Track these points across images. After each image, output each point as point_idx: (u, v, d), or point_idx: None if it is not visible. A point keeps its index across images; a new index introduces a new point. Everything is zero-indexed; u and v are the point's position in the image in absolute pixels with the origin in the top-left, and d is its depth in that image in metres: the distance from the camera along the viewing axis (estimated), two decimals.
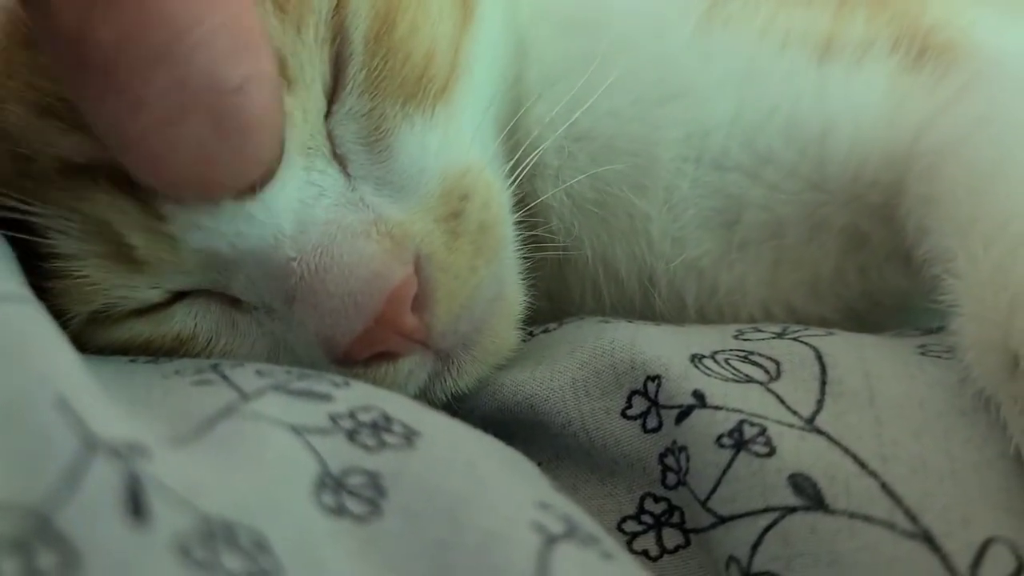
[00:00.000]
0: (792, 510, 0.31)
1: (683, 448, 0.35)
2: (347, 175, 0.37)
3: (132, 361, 0.35)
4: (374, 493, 0.28)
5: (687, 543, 0.35)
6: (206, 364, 0.33)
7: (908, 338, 0.38)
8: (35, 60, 0.34)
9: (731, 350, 0.37)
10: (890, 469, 0.31)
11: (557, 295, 0.48)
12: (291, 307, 0.36)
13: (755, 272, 0.44)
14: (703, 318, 0.45)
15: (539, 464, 0.35)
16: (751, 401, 0.34)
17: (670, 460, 0.36)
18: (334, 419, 0.30)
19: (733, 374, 0.36)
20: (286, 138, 0.34)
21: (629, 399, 0.37)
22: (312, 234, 0.35)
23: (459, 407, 0.40)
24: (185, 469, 0.26)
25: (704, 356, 0.37)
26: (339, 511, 0.27)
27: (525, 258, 0.43)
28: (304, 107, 0.35)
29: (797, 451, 0.32)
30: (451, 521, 0.27)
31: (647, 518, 0.36)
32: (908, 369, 0.34)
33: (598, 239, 0.46)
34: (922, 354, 0.35)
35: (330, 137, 0.37)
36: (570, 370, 0.39)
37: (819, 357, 0.35)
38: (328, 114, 0.37)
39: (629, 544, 0.35)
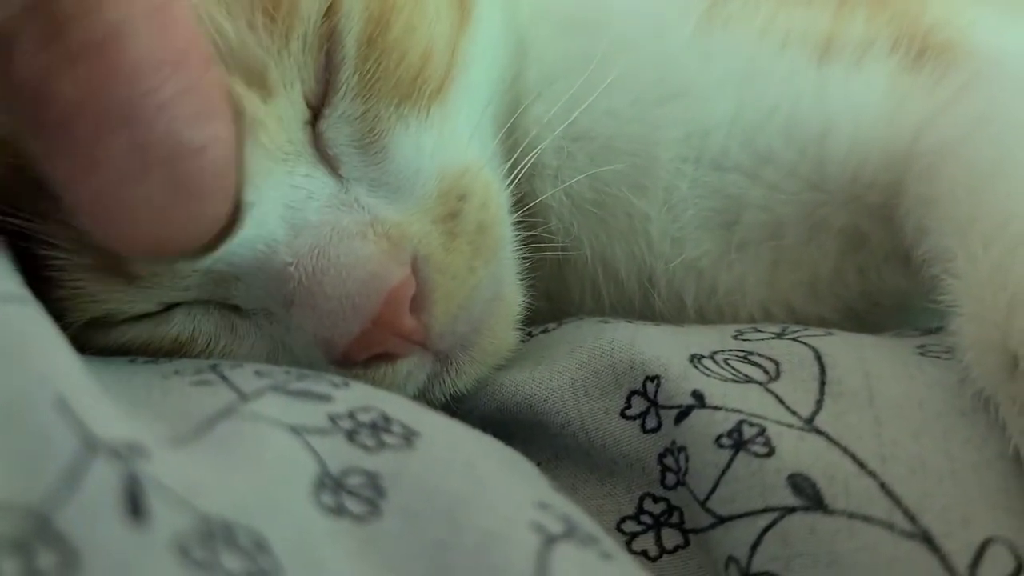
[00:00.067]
0: (791, 510, 0.31)
1: (682, 448, 0.35)
2: (339, 177, 0.37)
3: (131, 361, 0.35)
4: (373, 493, 0.28)
5: (686, 543, 0.35)
6: (205, 365, 0.33)
7: (908, 338, 0.38)
8: None
9: (730, 350, 0.37)
10: (889, 469, 0.31)
11: (556, 295, 0.47)
12: (289, 310, 0.36)
13: (754, 272, 0.44)
14: (702, 318, 0.45)
15: (538, 464, 0.35)
16: (750, 401, 0.34)
17: (669, 460, 0.36)
18: (333, 419, 0.30)
19: (732, 374, 0.36)
20: (264, 147, 0.34)
21: (628, 399, 0.37)
22: (306, 237, 0.35)
23: (458, 407, 0.40)
24: (184, 469, 0.26)
25: (703, 356, 0.37)
26: (338, 511, 0.27)
27: (524, 258, 0.43)
28: (280, 115, 0.35)
29: (796, 451, 0.32)
30: (450, 521, 0.27)
31: (646, 518, 0.36)
32: (907, 369, 0.34)
33: (597, 239, 0.45)
34: (921, 354, 0.36)
35: (319, 140, 0.37)
36: (569, 370, 0.39)
37: (818, 357, 0.35)
38: (318, 118, 0.37)
39: (628, 544, 0.35)
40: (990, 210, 0.34)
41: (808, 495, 0.31)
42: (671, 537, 0.35)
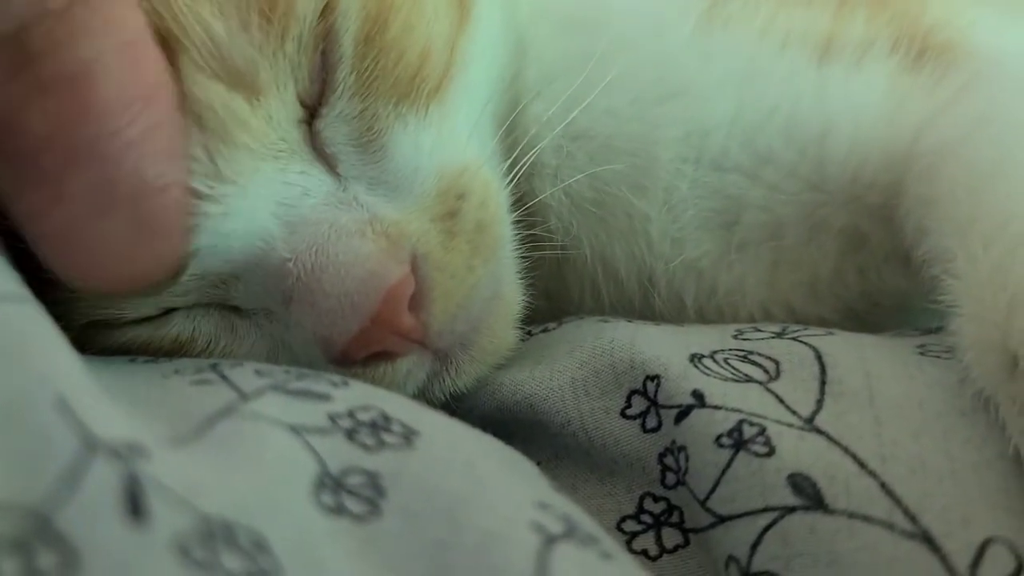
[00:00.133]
0: (791, 510, 0.31)
1: (682, 448, 0.35)
2: (337, 176, 0.37)
3: (132, 361, 0.35)
4: (373, 493, 0.28)
5: (686, 543, 0.35)
6: (205, 364, 0.33)
7: (908, 338, 0.38)
8: None
9: (730, 350, 0.37)
10: (889, 469, 0.31)
11: (556, 294, 0.47)
12: (288, 308, 0.36)
13: (754, 272, 0.44)
14: (702, 318, 0.45)
15: (538, 464, 0.35)
16: (750, 401, 0.34)
17: (669, 460, 0.36)
18: (333, 419, 0.30)
19: (732, 374, 0.36)
20: (246, 146, 0.34)
21: (628, 399, 0.37)
22: (304, 234, 0.35)
23: (458, 407, 0.40)
24: (184, 469, 0.26)
25: (703, 356, 0.37)
26: (338, 511, 0.27)
27: (523, 257, 0.43)
28: (270, 114, 0.35)
29: (796, 451, 0.32)
30: (450, 521, 0.27)
31: (646, 518, 0.36)
32: (908, 369, 0.34)
33: (597, 239, 0.45)
34: (921, 354, 0.36)
35: (317, 139, 0.37)
36: (569, 370, 0.39)
37: (819, 357, 0.35)
38: (315, 117, 0.36)
39: (628, 544, 0.35)
40: (990, 210, 0.35)
41: (808, 495, 0.31)
42: (671, 537, 0.35)
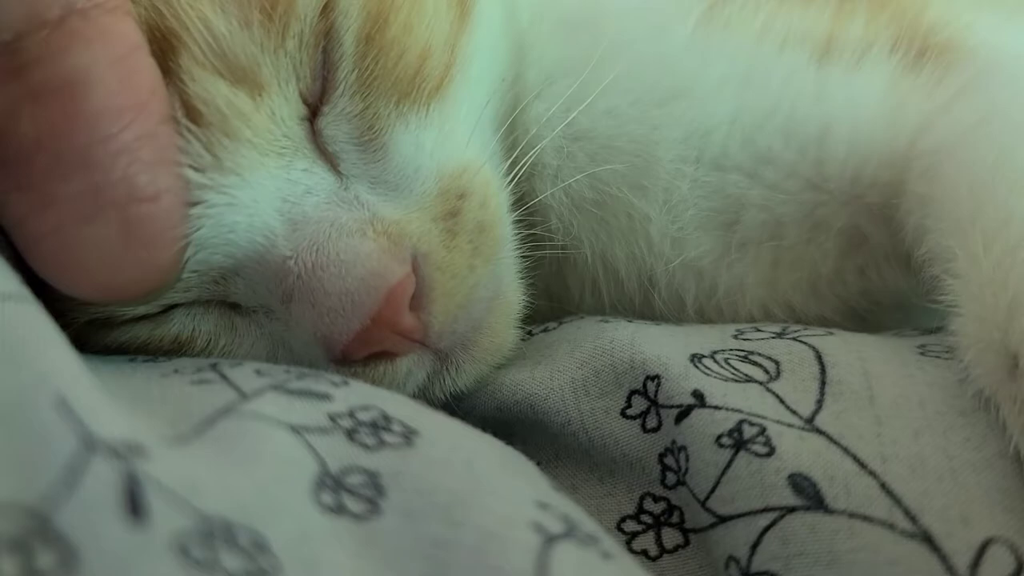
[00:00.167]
0: (791, 510, 0.31)
1: (682, 448, 0.35)
2: (339, 174, 0.37)
3: (131, 360, 0.35)
4: (373, 492, 0.28)
5: (686, 543, 0.35)
6: (205, 363, 0.33)
7: (908, 338, 0.38)
8: None
9: (731, 350, 0.37)
10: (890, 469, 0.31)
11: (556, 294, 0.48)
12: (288, 307, 0.36)
13: (754, 272, 0.44)
14: (703, 318, 0.45)
15: (538, 463, 0.35)
16: (751, 401, 0.34)
17: (669, 460, 0.36)
18: (333, 418, 0.30)
19: (733, 374, 0.36)
20: (249, 141, 0.34)
21: (629, 399, 0.37)
22: (305, 231, 0.35)
23: (458, 406, 0.40)
24: (184, 469, 0.26)
25: (704, 356, 0.37)
26: (338, 510, 0.27)
27: (524, 257, 0.43)
28: (273, 111, 0.35)
29: (796, 451, 0.32)
30: (450, 520, 0.27)
31: (646, 518, 0.36)
32: (908, 369, 0.34)
33: (597, 239, 0.46)
34: (922, 354, 0.36)
35: (319, 137, 0.37)
36: (569, 369, 0.39)
37: (819, 357, 0.35)
38: (317, 115, 0.37)
39: (628, 544, 0.35)
40: (991, 210, 0.34)
41: (808, 495, 0.31)
42: (671, 536, 0.35)
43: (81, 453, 0.24)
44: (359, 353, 0.36)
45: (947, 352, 0.35)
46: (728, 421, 0.34)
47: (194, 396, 0.30)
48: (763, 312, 0.45)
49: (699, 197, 0.44)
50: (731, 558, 0.32)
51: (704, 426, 0.34)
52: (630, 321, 0.42)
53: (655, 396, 0.36)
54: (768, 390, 0.35)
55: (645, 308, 0.46)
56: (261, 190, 0.35)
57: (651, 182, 0.44)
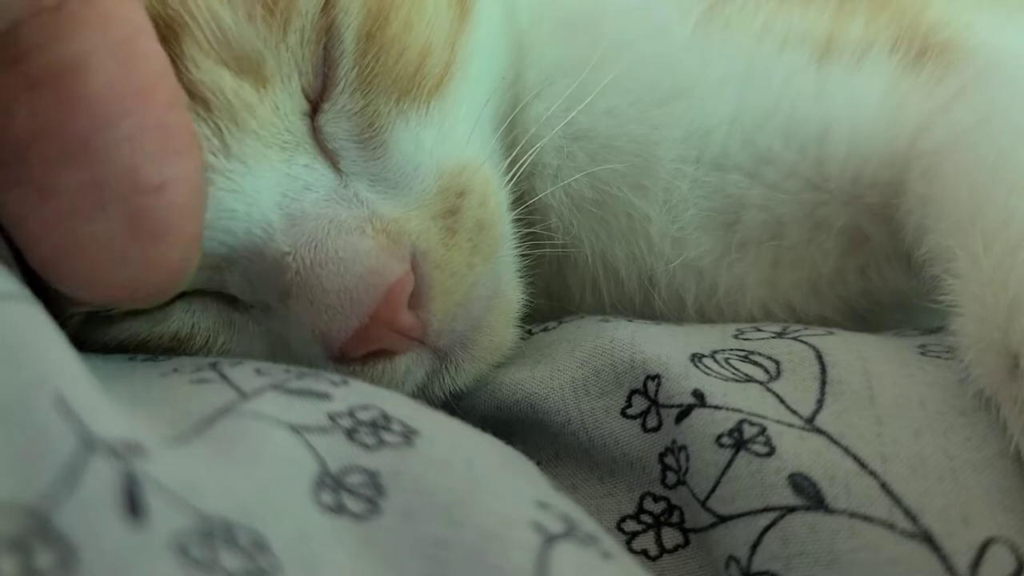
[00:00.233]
0: (792, 510, 0.31)
1: (683, 447, 0.35)
2: (339, 171, 0.37)
3: (131, 359, 0.35)
4: (373, 492, 0.28)
5: (687, 542, 0.35)
6: (205, 363, 0.33)
7: (908, 338, 0.38)
8: None
9: (731, 349, 0.37)
10: (890, 469, 0.31)
11: (556, 293, 0.48)
12: (287, 304, 0.36)
13: (755, 272, 0.44)
14: (703, 317, 0.45)
15: (538, 463, 0.35)
16: (751, 400, 0.34)
17: (670, 459, 0.36)
18: (333, 418, 0.30)
19: (733, 373, 0.36)
20: (255, 132, 0.34)
21: (629, 398, 0.37)
22: (304, 228, 0.35)
23: (458, 406, 0.40)
24: (183, 468, 0.26)
25: (704, 355, 0.37)
26: (338, 510, 0.27)
27: (524, 256, 0.43)
28: (276, 104, 0.35)
29: (797, 451, 0.32)
30: (450, 520, 0.27)
31: (646, 517, 0.36)
32: (908, 369, 0.34)
33: (597, 238, 0.46)
34: (922, 354, 0.36)
35: (320, 134, 0.37)
36: (570, 369, 0.39)
37: (819, 356, 0.35)
38: (318, 112, 0.37)
39: (628, 543, 0.35)
40: (991, 210, 0.34)
41: (808, 494, 0.31)
42: (671, 536, 0.35)
43: (81, 453, 0.24)
44: (357, 351, 0.36)
45: (947, 352, 0.35)
46: (728, 421, 0.34)
47: (194, 395, 0.30)
48: (763, 312, 0.45)
49: (699, 197, 0.44)
50: (731, 558, 0.32)
51: (704, 426, 0.34)
52: (630, 320, 0.42)
53: (655, 396, 0.36)
54: (768, 390, 0.35)
55: (645, 308, 0.46)
56: (263, 182, 0.35)
57: (651, 182, 0.44)
